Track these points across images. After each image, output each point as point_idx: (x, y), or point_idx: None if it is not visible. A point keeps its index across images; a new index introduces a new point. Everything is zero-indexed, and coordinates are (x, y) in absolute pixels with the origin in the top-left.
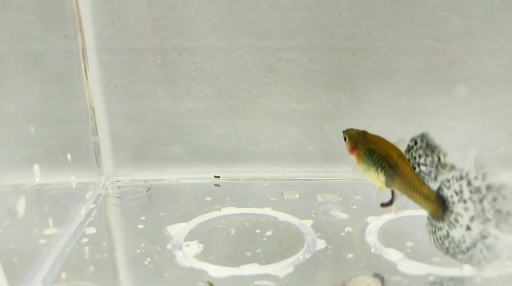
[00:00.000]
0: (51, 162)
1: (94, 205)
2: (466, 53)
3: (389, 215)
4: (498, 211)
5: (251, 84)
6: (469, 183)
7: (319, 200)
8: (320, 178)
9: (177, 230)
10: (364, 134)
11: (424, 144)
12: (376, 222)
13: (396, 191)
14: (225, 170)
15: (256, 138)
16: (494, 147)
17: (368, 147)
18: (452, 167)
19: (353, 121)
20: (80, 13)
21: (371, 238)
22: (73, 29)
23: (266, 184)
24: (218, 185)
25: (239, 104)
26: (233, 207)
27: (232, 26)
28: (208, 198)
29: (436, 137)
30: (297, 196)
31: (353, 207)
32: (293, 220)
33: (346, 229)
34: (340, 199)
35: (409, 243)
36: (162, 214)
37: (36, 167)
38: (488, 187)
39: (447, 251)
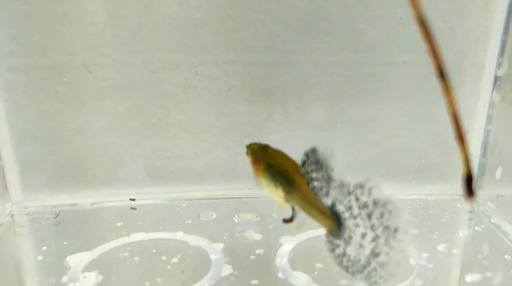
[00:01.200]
0: None
1: None
2: (383, 65)
3: (303, 235)
4: (387, 227)
5: (167, 100)
6: (356, 199)
7: (236, 221)
8: (242, 196)
9: (77, 260)
10: (264, 148)
11: (314, 158)
12: (289, 242)
13: (296, 207)
14: (143, 192)
15: (175, 156)
16: (415, 159)
17: (267, 162)
18: (341, 183)
19: (274, 135)
20: None
21: (282, 260)
22: None
23: (184, 205)
24: (135, 208)
25: (155, 122)
26: (142, 232)
27: (143, 41)
28: (119, 224)
29: (356, 150)
30: (214, 216)
31: (269, 226)
32: (204, 244)
33: (256, 252)
34: (257, 218)
35: (318, 265)
36: (65, 243)
37: None
38: (375, 202)
39: (347, 269)
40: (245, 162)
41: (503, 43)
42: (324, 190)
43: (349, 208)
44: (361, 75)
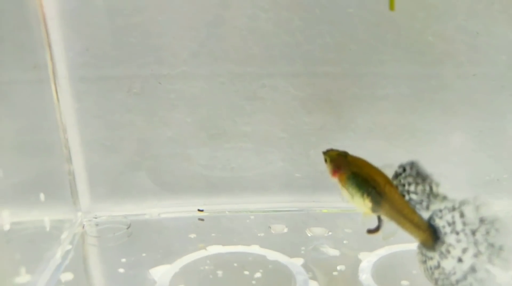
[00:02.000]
0: (23, 200)
1: (70, 246)
2: (452, 78)
3: (381, 251)
4: (491, 245)
5: (234, 112)
6: (462, 215)
7: (309, 235)
8: (308, 209)
9: (161, 273)
10: (344, 155)
11: (414, 172)
12: (369, 258)
13: (383, 217)
14: (209, 202)
15: (241, 167)
16: (483, 174)
17: (351, 171)
18: (444, 198)
19: (340, 148)
20: (50, 40)
21: (365, 277)
22: (43, 58)
23: (252, 217)
24: (202, 220)
25: (222, 133)
26: (219, 245)
27: (212, 52)
28: (192, 235)
29: (425, 164)
30: (285, 230)
31: (344, 242)
32: (283, 259)
33: (338, 268)
34: (330, 233)
35: (404, 282)
36: (144, 254)
37: (5, 213)
38: (482, 220)
39: (436, 282)
40: (308, 173)
41: None
42: (424, 204)
43: (452, 224)
44: (429, 87)
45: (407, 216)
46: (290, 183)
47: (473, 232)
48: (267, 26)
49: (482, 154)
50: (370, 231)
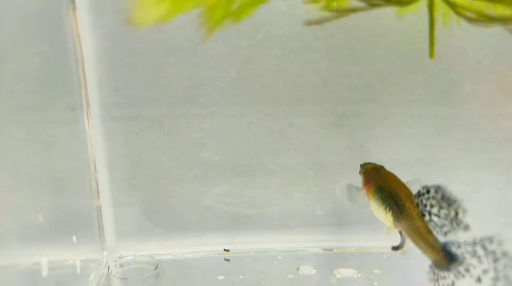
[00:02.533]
0: (54, 240)
1: None
2: (478, 118)
3: None
4: (507, 277)
5: (261, 150)
6: (483, 247)
7: (338, 276)
8: (335, 248)
9: None
10: (378, 169)
11: (439, 195)
12: None
13: (404, 233)
14: (234, 241)
15: (267, 206)
16: (509, 212)
17: (378, 184)
18: (467, 227)
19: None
20: (87, 81)
21: None
22: (79, 98)
23: (279, 257)
24: (228, 260)
25: (248, 171)
26: None
27: (241, 93)
28: (220, 277)
29: None
30: (314, 272)
31: (374, 283)
32: None
33: None
34: (359, 275)
35: None
36: None
37: (44, 260)
38: (504, 253)
39: None
40: (334, 212)
41: None
42: (445, 228)
43: (473, 251)
44: (456, 126)
45: (421, 234)
46: (316, 222)
47: (495, 261)
48: (296, 67)
49: (508, 192)
50: (394, 248)
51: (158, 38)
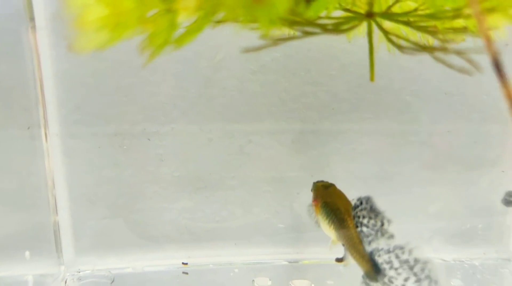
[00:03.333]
0: (6, 256)
1: None
2: (428, 135)
3: None
4: (428, 277)
5: (220, 166)
6: (397, 256)
7: None
8: (292, 261)
9: None
10: (327, 187)
11: (369, 206)
12: None
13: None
14: (193, 255)
15: (225, 220)
16: (460, 224)
17: (324, 200)
18: (391, 236)
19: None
20: (45, 99)
21: None
22: (36, 117)
23: (236, 270)
24: (187, 273)
25: (208, 186)
26: None
27: (201, 111)
28: None
29: (402, 216)
30: (269, 283)
31: None
32: None
33: None
34: (312, 285)
35: None
36: None
37: None
38: (416, 260)
39: None
40: (292, 226)
41: None
42: (370, 237)
43: (389, 262)
44: (408, 142)
45: (355, 245)
46: (274, 235)
47: (411, 268)
48: (254, 87)
49: (458, 205)
50: (338, 260)
51: (119, 58)
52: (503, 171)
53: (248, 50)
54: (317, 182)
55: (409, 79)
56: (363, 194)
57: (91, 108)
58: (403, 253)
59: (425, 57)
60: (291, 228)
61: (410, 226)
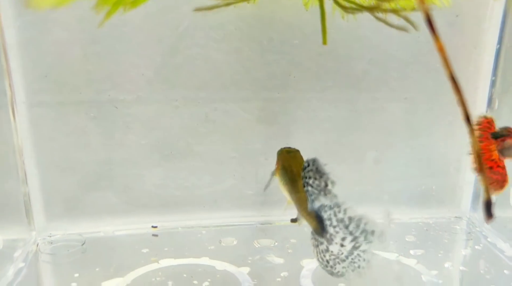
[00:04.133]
0: None
1: (23, 264)
2: (387, 102)
3: None
4: (364, 231)
5: (187, 133)
6: (334, 214)
7: (256, 246)
8: (257, 223)
9: None
10: (289, 152)
11: (314, 168)
12: (310, 265)
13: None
14: (163, 220)
15: (194, 186)
16: (416, 186)
17: (282, 164)
18: (334, 196)
19: None
20: (10, 68)
21: (306, 281)
22: (2, 85)
23: (204, 232)
24: (156, 235)
25: (175, 153)
26: (170, 258)
27: (167, 79)
28: (145, 250)
29: (362, 178)
30: (235, 242)
31: (289, 251)
32: (231, 269)
33: (281, 274)
34: (276, 244)
35: (341, 284)
36: (97, 269)
37: None
38: (350, 218)
39: (328, 262)
40: (257, 190)
41: (493, 83)
42: (313, 196)
43: (329, 219)
44: (367, 110)
45: (302, 205)
46: (241, 200)
47: (346, 227)
48: (218, 56)
49: (414, 168)
50: (292, 220)
51: (83, 27)
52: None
53: (199, 9)
54: (284, 148)
55: (368, 48)
56: (326, 159)
57: (57, 77)
58: (339, 211)
59: (382, 27)
60: (257, 192)
61: (369, 189)
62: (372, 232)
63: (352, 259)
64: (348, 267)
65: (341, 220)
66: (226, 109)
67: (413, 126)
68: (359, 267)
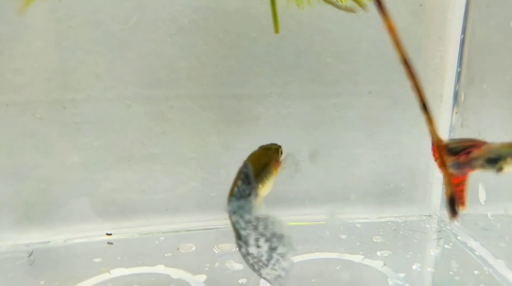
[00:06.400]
0: None
1: None
2: (350, 96)
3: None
4: (274, 234)
5: (142, 134)
6: (241, 216)
7: (216, 252)
8: (219, 227)
9: None
10: (267, 149)
11: (245, 174)
12: None
13: None
14: (119, 226)
15: (151, 189)
16: (384, 184)
17: (250, 161)
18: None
19: None
20: None
21: None
22: None
23: (162, 238)
24: (111, 243)
25: (130, 155)
26: (122, 267)
27: (118, 77)
28: (97, 259)
29: (328, 177)
30: (193, 248)
31: None
32: (186, 277)
33: (240, 281)
34: (236, 249)
35: None
36: (42, 282)
37: None
38: (257, 218)
39: (253, 266)
40: (220, 192)
41: (458, 75)
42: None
43: (238, 222)
44: (331, 105)
45: None
46: (202, 203)
47: (255, 228)
48: (173, 50)
49: (381, 165)
50: None
51: (25, 21)
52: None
53: None
54: (268, 144)
55: (330, 41)
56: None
57: (0, 76)
58: (245, 213)
59: (344, 18)
60: (218, 195)
61: (335, 188)
62: (281, 237)
63: (273, 264)
64: (270, 274)
65: (249, 221)
66: (182, 107)
67: (379, 121)
68: (280, 276)
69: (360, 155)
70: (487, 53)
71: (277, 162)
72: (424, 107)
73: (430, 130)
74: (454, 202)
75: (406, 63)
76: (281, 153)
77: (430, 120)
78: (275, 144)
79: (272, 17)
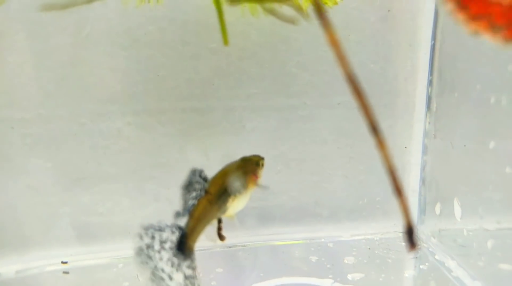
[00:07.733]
0: None
1: None
2: (318, 108)
3: None
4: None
5: (98, 153)
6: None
7: None
8: None
9: None
10: (245, 160)
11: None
12: None
13: None
14: (76, 253)
15: (110, 212)
16: (358, 199)
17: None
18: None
19: None
20: None
21: None
22: None
23: (120, 265)
24: (68, 272)
25: (87, 176)
26: None
27: (70, 93)
28: None
29: (298, 193)
30: None
31: (212, 283)
32: None
33: None
34: (201, 274)
35: None
36: None
37: None
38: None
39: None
40: (186, 213)
41: (430, 83)
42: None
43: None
44: (297, 117)
45: None
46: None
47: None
48: (128, 64)
49: (354, 180)
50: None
51: None
52: (405, 147)
53: (49, 8)
54: (250, 156)
55: (294, 50)
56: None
57: None
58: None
59: (310, 26)
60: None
61: (307, 204)
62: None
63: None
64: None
65: (150, 246)
66: (140, 123)
67: (349, 134)
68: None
69: (331, 169)
70: (457, 60)
71: (255, 175)
72: (374, 129)
73: (382, 155)
74: (412, 233)
75: (351, 80)
76: (262, 165)
77: (381, 144)
78: (257, 156)
79: (220, 28)
